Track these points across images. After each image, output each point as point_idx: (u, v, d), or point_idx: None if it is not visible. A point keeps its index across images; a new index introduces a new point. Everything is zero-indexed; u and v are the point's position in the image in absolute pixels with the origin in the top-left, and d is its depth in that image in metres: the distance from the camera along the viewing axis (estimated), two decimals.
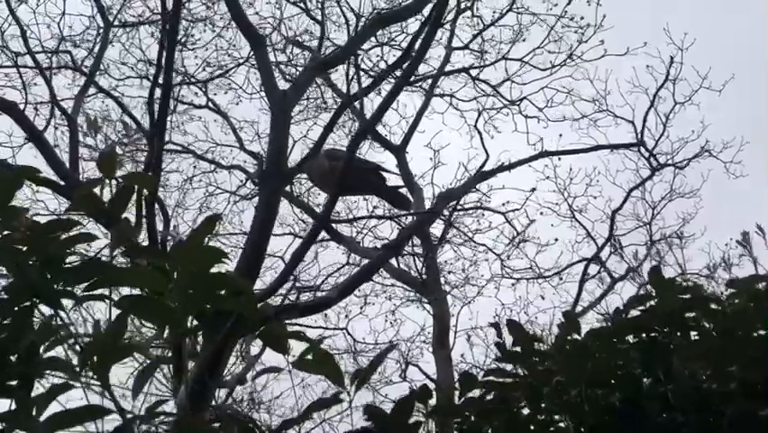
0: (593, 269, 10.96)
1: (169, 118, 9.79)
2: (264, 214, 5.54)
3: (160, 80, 4.73)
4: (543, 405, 2.31)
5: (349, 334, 11.17)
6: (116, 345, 1.68)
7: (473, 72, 10.62)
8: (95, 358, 1.66)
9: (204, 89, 10.86)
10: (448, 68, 10.37)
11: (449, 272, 10.88)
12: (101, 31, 8.95)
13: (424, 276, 9.34)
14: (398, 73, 5.55)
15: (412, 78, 9.17)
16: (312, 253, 10.61)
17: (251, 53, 8.72)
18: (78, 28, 9.64)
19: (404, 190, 6.11)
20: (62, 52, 9.38)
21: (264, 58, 6.35)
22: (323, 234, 9.39)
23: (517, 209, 10.27)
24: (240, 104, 11.06)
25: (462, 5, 10.24)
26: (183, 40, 10.15)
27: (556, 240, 10.84)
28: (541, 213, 10.80)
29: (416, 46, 4.65)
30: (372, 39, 9.57)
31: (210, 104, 10.97)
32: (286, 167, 5.88)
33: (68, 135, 7.08)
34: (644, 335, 2.62)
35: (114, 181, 1.90)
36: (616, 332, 2.65)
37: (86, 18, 9.77)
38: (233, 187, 11.30)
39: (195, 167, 11.32)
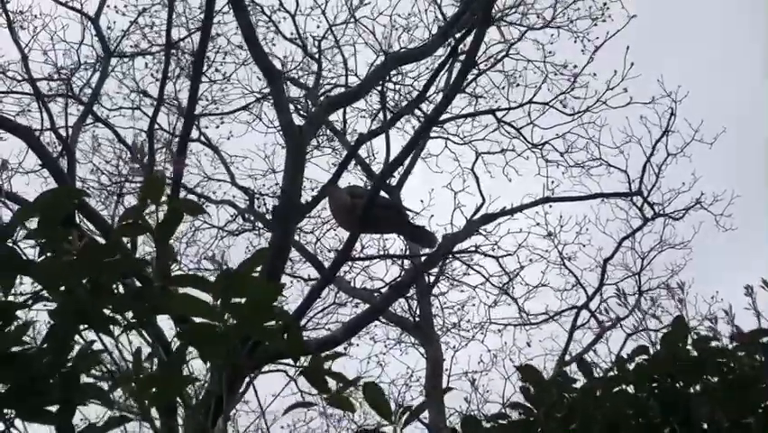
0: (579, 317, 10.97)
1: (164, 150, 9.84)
2: (275, 256, 5.47)
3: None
4: None
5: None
6: (175, 379, 1.64)
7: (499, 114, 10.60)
8: (148, 391, 1.62)
9: (196, 123, 10.80)
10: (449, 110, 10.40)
11: (436, 316, 10.84)
12: (100, 60, 8.97)
13: (417, 318, 9.30)
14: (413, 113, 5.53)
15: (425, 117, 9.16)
16: (297, 291, 10.62)
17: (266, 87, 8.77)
18: (76, 57, 9.55)
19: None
20: (60, 80, 9.37)
21: (280, 92, 6.37)
22: (314, 271, 9.38)
23: (510, 254, 10.26)
24: (231, 138, 11.07)
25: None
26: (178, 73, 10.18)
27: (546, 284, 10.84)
28: (531, 259, 10.81)
29: (431, 89, 4.68)
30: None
31: (202, 137, 10.96)
32: (300, 202, 5.87)
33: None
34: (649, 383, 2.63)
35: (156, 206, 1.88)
36: (620, 380, 2.65)
37: (82, 46, 9.72)
38: (220, 222, 11.18)
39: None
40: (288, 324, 1.85)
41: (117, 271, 1.72)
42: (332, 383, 1.98)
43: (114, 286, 1.77)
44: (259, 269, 5.81)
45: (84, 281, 1.69)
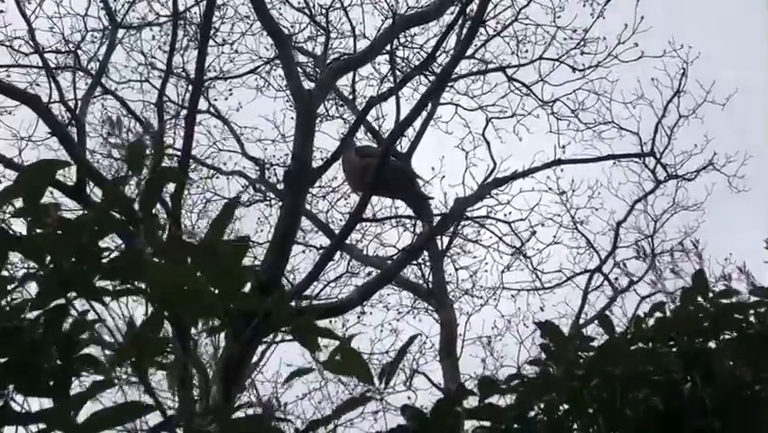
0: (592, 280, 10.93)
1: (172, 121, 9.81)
2: (288, 221, 5.40)
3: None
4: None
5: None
6: (154, 341, 1.61)
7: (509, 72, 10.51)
8: (132, 355, 1.59)
9: (205, 94, 10.75)
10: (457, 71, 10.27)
11: (449, 282, 10.79)
12: (107, 32, 8.91)
13: (430, 284, 9.27)
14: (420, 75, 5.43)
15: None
16: (310, 259, 10.62)
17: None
18: (82, 27, 9.49)
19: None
20: (68, 53, 9.32)
21: (288, 57, 6.33)
22: (326, 240, 9.36)
23: (522, 219, 10.21)
24: (240, 109, 11.03)
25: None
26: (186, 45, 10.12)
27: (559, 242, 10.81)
28: (542, 224, 10.77)
29: (440, 52, 4.61)
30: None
31: (211, 108, 10.92)
32: (311, 168, 5.83)
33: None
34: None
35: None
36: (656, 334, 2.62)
37: (89, 18, 9.63)
38: (231, 193, 11.15)
39: (192, 170, 11.18)
40: (263, 284, 1.80)
41: (102, 234, 1.69)
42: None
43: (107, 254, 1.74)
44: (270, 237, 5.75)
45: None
